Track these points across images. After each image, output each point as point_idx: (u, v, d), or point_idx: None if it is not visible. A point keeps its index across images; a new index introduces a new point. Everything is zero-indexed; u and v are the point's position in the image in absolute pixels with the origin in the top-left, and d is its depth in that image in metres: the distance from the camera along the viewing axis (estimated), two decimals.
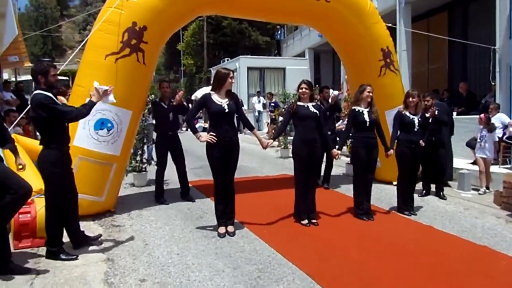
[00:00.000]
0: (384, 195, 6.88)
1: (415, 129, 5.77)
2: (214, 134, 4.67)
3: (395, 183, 7.37)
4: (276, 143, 10.68)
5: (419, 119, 5.81)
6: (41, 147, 4.12)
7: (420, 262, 4.09)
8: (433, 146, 6.48)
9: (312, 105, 5.30)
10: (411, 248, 4.50)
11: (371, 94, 5.54)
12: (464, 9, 12.31)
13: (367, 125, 5.48)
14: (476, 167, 7.84)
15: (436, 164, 6.72)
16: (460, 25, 12.44)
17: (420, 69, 13.95)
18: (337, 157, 5.50)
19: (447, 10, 12.89)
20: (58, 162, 4.08)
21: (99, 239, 4.58)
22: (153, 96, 7.12)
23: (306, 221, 5.22)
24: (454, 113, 10.17)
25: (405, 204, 5.83)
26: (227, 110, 4.74)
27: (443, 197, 6.65)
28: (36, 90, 4.04)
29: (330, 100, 7.63)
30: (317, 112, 5.26)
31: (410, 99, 5.81)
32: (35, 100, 3.95)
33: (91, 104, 4.14)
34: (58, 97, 4.15)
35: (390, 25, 8.06)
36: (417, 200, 6.44)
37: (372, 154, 5.51)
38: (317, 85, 12.17)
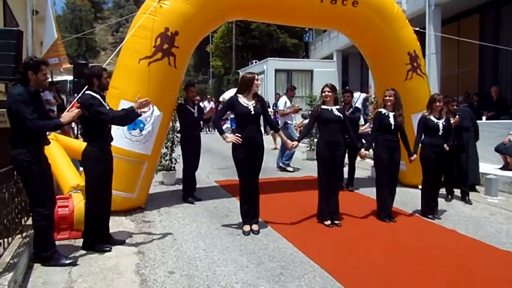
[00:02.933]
0: (409, 198, 6.90)
1: (440, 133, 5.80)
2: (240, 135, 4.86)
3: (420, 187, 7.40)
4: (303, 144, 10.78)
5: (444, 123, 5.84)
6: (81, 145, 4.42)
7: (441, 265, 4.15)
8: (455, 151, 6.49)
9: (336, 109, 5.42)
10: (433, 251, 4.54)
11: (391, 98, 5.62)
12: (496, 11, 12.10)
13: (392, 128, 5.56)
14: (505, 173, 7.76)
15: (458, 168, 6.72)
16: (491, 28, 12.24)
17: (450, 72, 13.78)
18: (365, 157, 5.58)
19: (478, 12, 12.69)
20: (99, 159, 4.37)
21: (123, 244, 4.67)
22: (181, 98, 7.35)
23: (329, 222, 5.33)
24: (484, 118, 10.05)
25: (429, 207, 5.86)
26: (253, 112, 4.92)
27: (468, 202, 6.62)
28: (87, 91, 4.37)
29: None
30: (341, 115, 5.38)
31: (437, 103, 5.84)
32: (83, 99, 4.29)
33: (131, 110, 4.39)
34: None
35: (417, 29, 8.03)
36: (442, 204, 6.45)
37: (394, 157, 5.59)
38: (347, 87, 12.17)
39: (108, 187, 4.57)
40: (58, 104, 10.57)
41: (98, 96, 4.35)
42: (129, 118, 4.49)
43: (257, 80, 5.04)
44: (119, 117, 4.42)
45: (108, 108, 4.45)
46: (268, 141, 11.50)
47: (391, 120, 5.57)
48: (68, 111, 4.14)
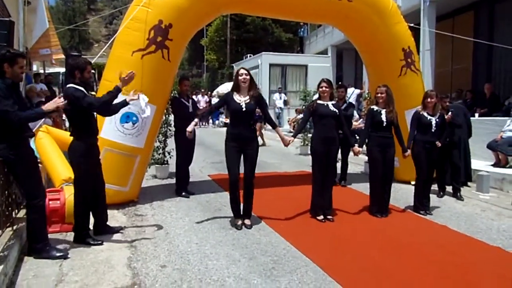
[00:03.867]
0: (401, 194, 6.93)
1: (432, 130, 5.81)
2: (232, 132, 4.91)
3: (413, 182, 7.41)
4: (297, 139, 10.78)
5: (437, 119, 5.85)
6: (71, 138, 4.37)
7: (432, 260, 4.17)
8: (447, 147, 6.52)
9: (332, 104, 5.41)
10: (425, 247, 4.57)
11: (382, 95, 5.62)
12: (491, 9, 12.12)
13: (384, 125, 5.57)
14: (496, 170, 7.81)
15: (451, 165, 6.76)
16: (486, 25, 12.26)
17: (444, 69, 13.80)
18: (358, 154, 5.57)
19: (473, 9, 12.71)
20: (86, 152, 4.33)
21: (120, 230, 4.80)
22: (175, 92, 7.29)
23: (321, 217, 5.34)
24: (476, 114, 10.09)
25: (421, 203, 5.89)
26: (244, 109, 4.91)
27: (460, 198, 6.66)
28: (69, 83, 4.29)
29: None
30: (336, 111, 5.37)
31: (428, 99, 5.86)
32: (67, 93, 4.19)
33: (116, 90, 4.33)
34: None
35: (412, 25, 8.04)
36: (434, 200, 6.49)
37: (387, 154, 5.60)
38: (339, 82, 12.14)
39: (98, 180, 4.55)
40: (46, 96, 10.45)
41: (82, 88, 4.27)
42: (115, 103, 4.42)
43: (240, 75, 4.99)
44: (105, 101, 4.34)
45: (91, 98, 4.37)
46: (265, 136, 11.46)
47: (383, 117, 5.57)
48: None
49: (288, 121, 15.91)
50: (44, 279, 3.56)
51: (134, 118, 5.67)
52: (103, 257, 4.03)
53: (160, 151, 7.93)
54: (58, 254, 3.97)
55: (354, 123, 7.80)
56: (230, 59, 28.83)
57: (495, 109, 10.26)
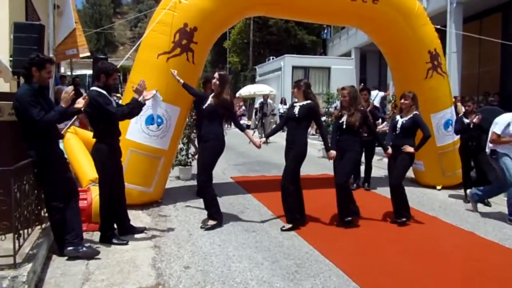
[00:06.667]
0: (426, 199, 6.80)
1: (396, 131, 5.53)
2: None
3: (438, 187, 7.31)
4: (318, 141, 10.66)
5: (404, 121, 5.51)
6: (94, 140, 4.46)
7: (459, 267, 4.09)
8: (473, 152, 6.38)
9: (300, 105, 5.12)
10: (451, 253, 4.48)
11: (345, 98, 5.37)
12: None
13: (344, 127, 5.32)
14: None
15: (476, 169, 6.61)
16: None
17: (471, 71, 13.53)
18: (331, 158, 5.35)
19: (501, 11, 12.42)
20: (109, 154, 4.40)
21: (144, 230, 4.86)
22: None
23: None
24: None
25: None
26: (204, 108, 5.21)
27: (487, 204, 6.49)
28: (94, 86, 4.38)
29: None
30: (296, 113, 5.09)
31: (402, 100, 5.59)
32: (90, 95, 4.26)
33: (134, 102, 4.36)
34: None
35: (438, 27, 7.90)
36: (460, 205, 6.37)
37: (343, 156, 5.31)
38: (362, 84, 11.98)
39: (121, 181, 4.62)
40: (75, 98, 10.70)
41: (105, 92, 4.33)
42: (136, 110, 4.44)
43: (213, 78, 5.19)
44: (125, 114, 4.41)
45: (115, 105, 4.42)
46: (281, 136, 11.35)
47: (343, 120, 5.31)
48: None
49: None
50: (72, 277, 3.64)
51: (159, 120, 5.74)
52: (128, 257, 4.10)
53: (184, 152, 8.01)
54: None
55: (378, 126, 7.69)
56: (252, 61, 28.88)
57: None
